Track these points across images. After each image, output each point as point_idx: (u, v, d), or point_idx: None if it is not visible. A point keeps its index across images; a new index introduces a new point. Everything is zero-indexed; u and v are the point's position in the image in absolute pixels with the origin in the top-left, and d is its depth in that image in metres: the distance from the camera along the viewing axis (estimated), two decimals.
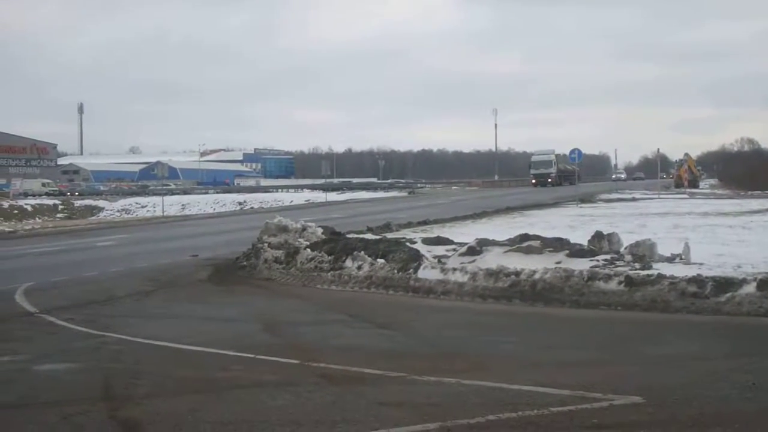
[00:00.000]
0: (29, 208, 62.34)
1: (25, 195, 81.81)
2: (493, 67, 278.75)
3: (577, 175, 75.97)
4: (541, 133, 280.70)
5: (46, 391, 7.99)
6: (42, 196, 79.85)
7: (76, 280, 17.15)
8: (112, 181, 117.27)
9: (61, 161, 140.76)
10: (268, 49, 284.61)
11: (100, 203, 69.53)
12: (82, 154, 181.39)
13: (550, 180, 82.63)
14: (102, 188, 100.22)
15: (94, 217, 60.11)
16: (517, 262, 13.83)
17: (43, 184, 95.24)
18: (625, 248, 15.01)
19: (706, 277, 11.78)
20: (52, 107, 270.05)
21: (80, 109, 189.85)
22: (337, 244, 16.76)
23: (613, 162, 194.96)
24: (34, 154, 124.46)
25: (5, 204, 64.31)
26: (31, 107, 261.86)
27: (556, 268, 13.17)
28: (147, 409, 7.13)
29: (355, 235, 19.41)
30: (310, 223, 19.58)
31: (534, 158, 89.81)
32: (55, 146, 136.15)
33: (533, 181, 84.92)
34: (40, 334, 11.25)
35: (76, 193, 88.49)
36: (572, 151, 55.05)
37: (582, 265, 13.41)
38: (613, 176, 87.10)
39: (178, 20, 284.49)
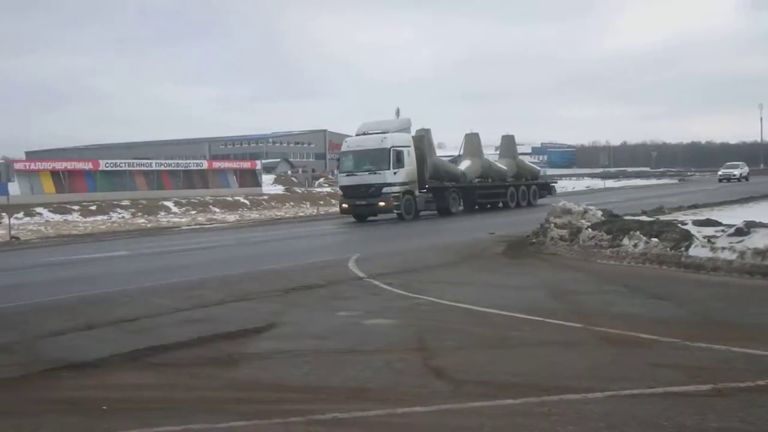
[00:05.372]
0: None
1: None
2: (762, 65, 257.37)
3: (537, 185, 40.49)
4: None
5: (373, 340, 8.34)
6: None
7: (395, 252, 17.78)
8: None
9: None
10: (562, 58, 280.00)
11: None
12: None
13: (382, 203, 29.82)
14: None
15: None
16: None
17: None
18: None
19: None
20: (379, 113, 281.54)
21: (397, 113, 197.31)
22: (614, 225, 16.31)
23: None
24: None
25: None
26: (360, 112, 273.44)
27: None
28: (452, 359, 7.26)
29: (631, 217, 18.67)
30: (590, 207, 19.17)
31: (348, 145, 32.27)
32: None
33: (343, 205, 31.94)
34: (366, 295, 11.73)
35: None
36: None
37: None
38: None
39: (487, 35, 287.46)
